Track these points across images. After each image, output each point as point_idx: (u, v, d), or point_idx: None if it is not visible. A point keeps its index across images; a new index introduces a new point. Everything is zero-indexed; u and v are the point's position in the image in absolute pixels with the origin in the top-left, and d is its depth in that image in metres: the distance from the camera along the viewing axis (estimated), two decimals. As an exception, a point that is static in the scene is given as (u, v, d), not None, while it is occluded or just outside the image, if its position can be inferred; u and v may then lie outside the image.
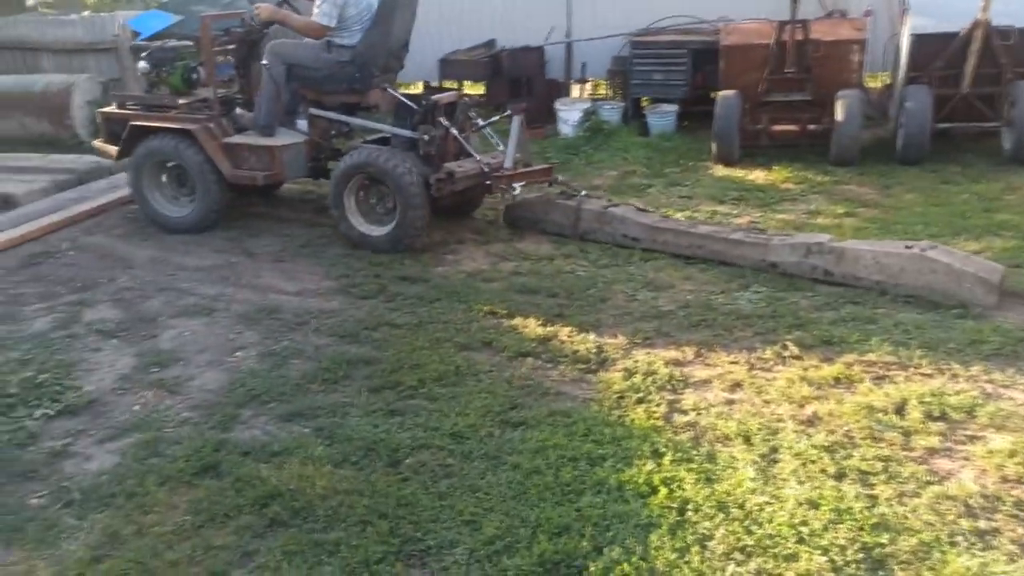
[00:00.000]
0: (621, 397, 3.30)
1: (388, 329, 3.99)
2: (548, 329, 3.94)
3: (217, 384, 3.51)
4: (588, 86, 9.24)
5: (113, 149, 5.55)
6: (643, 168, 6.80)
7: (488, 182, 5.12)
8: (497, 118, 5.65)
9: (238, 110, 5.56)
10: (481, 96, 9.37)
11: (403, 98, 5.23)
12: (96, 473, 2.87)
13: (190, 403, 3.36)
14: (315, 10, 5.04)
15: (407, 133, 5.11)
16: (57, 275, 4.75)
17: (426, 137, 4.99)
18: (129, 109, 5.55)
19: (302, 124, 5.40)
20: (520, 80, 8.48)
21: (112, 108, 5.68)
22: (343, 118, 5.36)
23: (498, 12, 9.03)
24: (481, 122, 5.56)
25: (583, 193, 5.42)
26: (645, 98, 8.21)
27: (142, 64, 5.59)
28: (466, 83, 9.53)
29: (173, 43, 5.92)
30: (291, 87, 5.31)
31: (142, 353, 3.78)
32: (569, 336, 3.86)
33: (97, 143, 5.82)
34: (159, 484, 2.77)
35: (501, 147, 5.38)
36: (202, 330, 4.02)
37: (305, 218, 5.82)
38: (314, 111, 5.33)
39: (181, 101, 5.41)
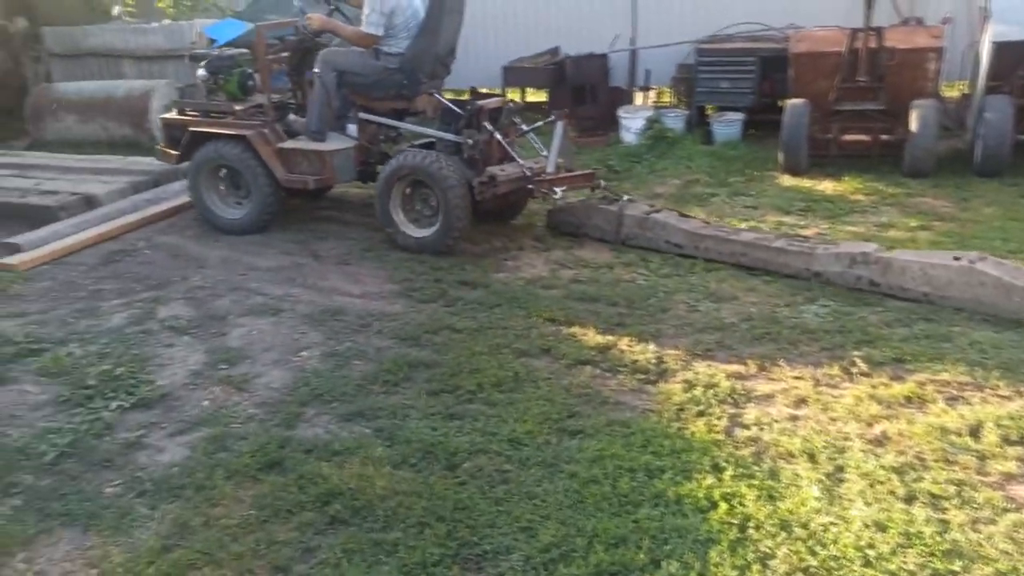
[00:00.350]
0: (681, 409, 3.26)
1: (448, 333, 4.03)
2: (607, 338, 3.92)
3: (282, 382, 3.60)
4: (652, 94, 9.16)
5: (173, 153, 5.77)
6: (707, 177, 6.71)
7: (530, 186, 5.17)
8: (541, 123, 5.69)
9: (291, 116, 5.69)
10: (544, 103, 9.42)
11: (449, 103, 5.34)
12: (167, 465, 2.98)
13: (256, 400, 3.45)
14: (363, 19, 5.14)
15: (452, 137, 5.22)
16: (134, 272, 4.94)
17: (470, 141, 5.09)
18: (188, 115, 5.76)
19: (352, 129, 5.52)
20: (584, 87, 8.47)
21: (172, 115, 5.89)
22: (391, 122, 5.48)
23: (563, 20, 9.04)
24: (525, 127, 5.60)
25: (625, 198, 5.44)
26: (710, 106, 8.11)
27: (200, 72, 5.81)
28: (529, 90, 9.60)
29: (230, 51, 6.10)
30: (341, 94, 5.44)
31: (212, 350, 3.90)
32: (629, 345, 3.84)
33: (159, 148, 6.05)
34: (226, 478, 2.86)
35: (544, 152, 5.41)
36: (269, 329, 4.13)
37: (369, 222, 5.91)
38: (363, 116, 5.45)
39: (237, 107, 5.59)
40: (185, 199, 6.21)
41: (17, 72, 10.03)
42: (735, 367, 3.59)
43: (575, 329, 4.04)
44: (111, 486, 2.86)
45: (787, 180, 6.48)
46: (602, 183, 5.53)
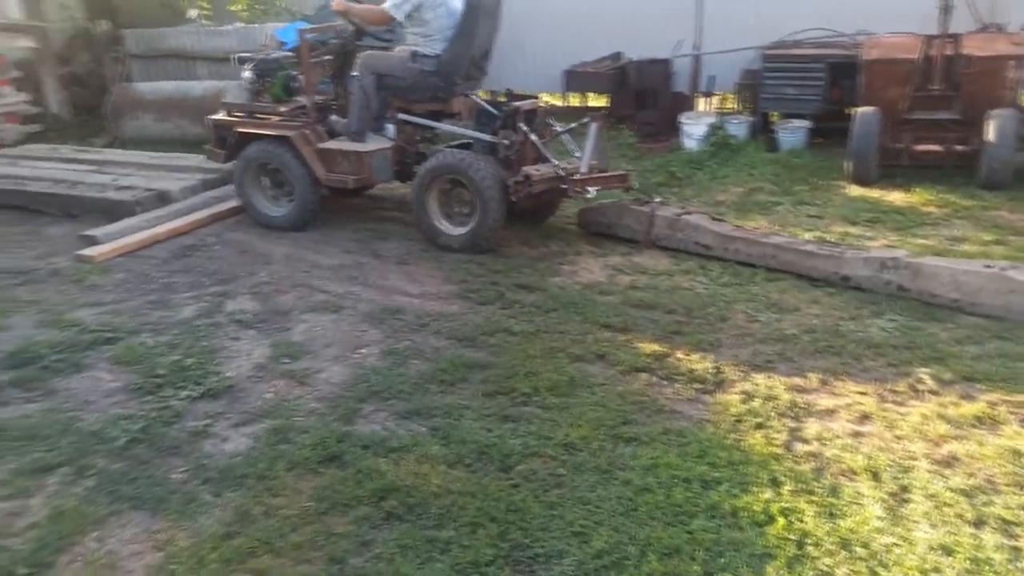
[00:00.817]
0: (739, 420, 3.22)
1: (504, 336, 4.05)
2: (664, 345, 3.89)
3: (342, 378, 3.68)
4: (715, 100, 9.04)
5: (221, 153, 5.97)
6: (771, 185, 6.59)
7: (564, 185, 5.21)
8: (575, 125, 5.70)
9: (333, 117, 5.83)
10: (605, 108, 9.39)
11: (485, 104, 5.40)
12: (231, 454, 3.07)
13: (317, 394, 3.54)
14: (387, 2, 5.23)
15: (487, 138, 5.32)
16: (204, 267, 5.11)
17: (505, 142, 5.21)
18: (235, 117, 5.94)
19: (390, 131, 5.66)
20: (645, 92, 8.41)
21: (221, 116, 6.05)
22: (428, 123, 5.58)
23: (626, 24, 8.99)
24: (560, 128, 5.66)
25: (657, 200, 5.53)
26: (775, 113, 7.95)
27: (246, 74, 5.96)
28: (591, 95, 9.57)
29: (276, 54, 6.25)
30: (381, 96, 5.56)
31: (276, 344, 4.01)
32: (686, 354, 3.80)
33: (208, 148, 6.25)
34: (287, 469, 2.94)
35: (578, 153, 5.47)
36: (330, 326, 4.23)
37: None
38: (402, 116, 5.58)
39: (281, 109, 5.74)
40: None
41: (99, 72, 10.48)
42: (796, 380, 3.52)
43: (631, 335, 4.02)
44: (178, 472, 2.96)
45: (854, 190, 6.31)
46: (635, 184, 5.56)
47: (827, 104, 7.47)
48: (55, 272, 5.00)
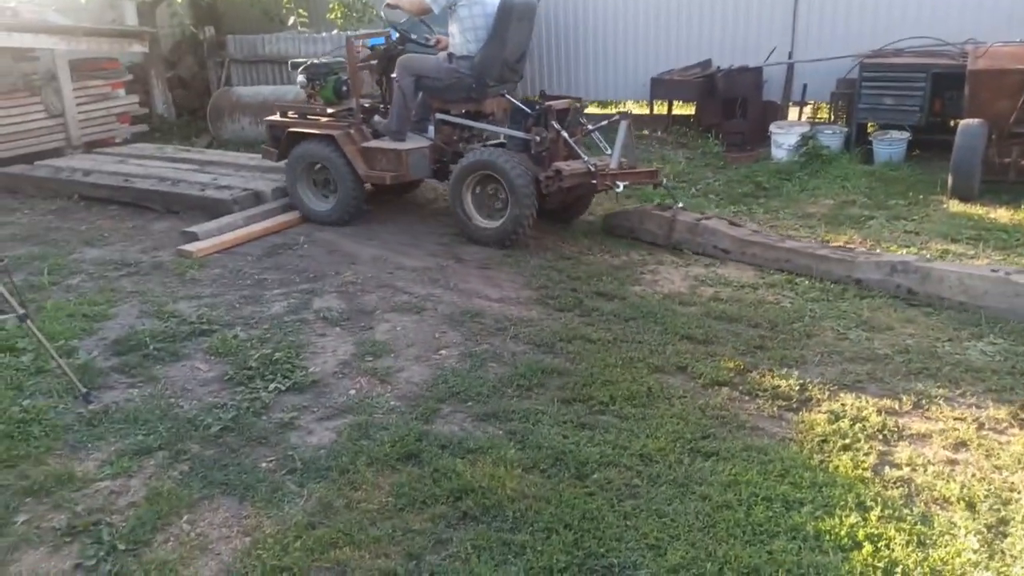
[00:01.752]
0: (824, 441, 3.11)
1: (582, 343, 4.05)
2: (747, 360, 3.81)
3: (422, 378, 3.75)
4: (808, 109, 8.80)
5: (274, 151, 6.31)
6: (864, 198, 6.35)
7: (593, 180, 5.39)
8: (605, 123, 5.89)
9: (376, 117, 6.13)
10: (691, 116, 9.26)
11: (519, 104, 5.63)
12: (315, 447, 3.18)
13: (397, 393, 3.62)
14: None
15: (521, 134, 5.53)
16: (293, 265, 5.30)
17: (538, 138, 5.39)
18: (288, 118, 6.28)
19: (430, 131, 5.93)
20: (734, 101, 8.25)
21: (275, 117, 6.40)
22: (465, 122, 5.84)
23: (716, 32, 8.84)
24: (591, 127, 5.84)
25: (679, 205, 5.76)
26: (872, 123, 7.67)
27: (300, 78, 6.30)
28: (677, 103, 9.45)
29: (327, 59, 6.59)
30: (420, 97, 5.83)
31: (360, 342, 4.12)
32: (770, 369, 3.71)
33: (264, 146, 6.61)
34: (367, 464, 3.02)
35: (609, 151, 5.64)
36: (412, 327, 4.31)
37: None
38: (440, 116, 5.84)
39: (330, 110, 6.08)
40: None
41: (202, 76, 11.03)
42: (887, 402, 3.38)
43: (713, 348, 3.95)
44: (266, 461, 3.08)
45: (955, 206, 6.02)
46: (664, 181, 5.76)
47: (928, 116, 7.16)
48: (158, 265, 5.28)
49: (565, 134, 5.49)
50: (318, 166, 6.09)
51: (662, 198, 6.11)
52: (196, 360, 3.94)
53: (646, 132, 9.24)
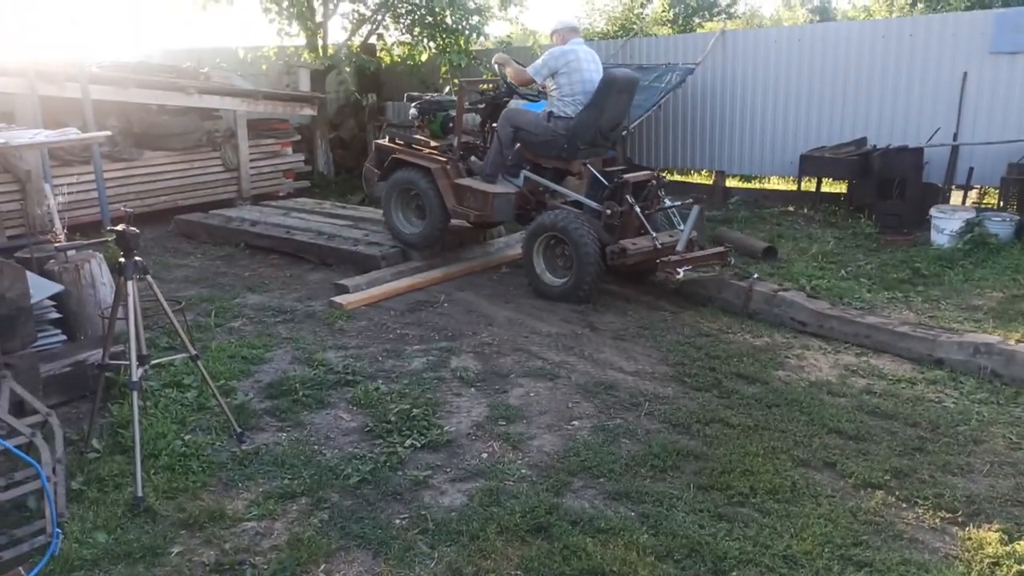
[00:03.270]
0: (996, 563, 2.81)
1: (721, 427, 3.90)
2: (904, 462, 3.53)
3: (553, 448, 3.72)
4: (973, 193, 8.25)
5: (376, 172, 6.94)
6: (1039, 293, 5.83)
7: (659, 260, 5.62)
8: (680, 203, 6.15)
9: (473, 157, 6.51)
10: (841, 195, 8.90)
11: (597, 174, 5.93)
12: (447, 508, 3.20)
13: (529, 461, 3.60)
14: (532, 66, 5.97)
15: (594, 205, 5.86)
16: (433, 322, 5.47)
17: (608, 212, 5.75)
18: (395, 144, 6.83)
19: (520, 179, 6.27)
20: (891, 181, 7.86)
21: (384, 141, 6.99)
22: (544, 182, 6.17)
23: (874, 110, 8.53)
24: (668, 202, 6.11)
25: (755, 276, 5.92)
26: (1048, 212, 7.08)
27: (412, 111, 6.87)
28: (827, 181, 9.13)
29: (439, 96, 7.10)
30: (516, 147, 6.17)
31: (493, 405, 4.16)
32: (931, 476, 3.41)
33: (367, 164, 7.20)
34: (497, 533, 3.00)
35: (681, 226, 5.86)
36: (545, 393, 4.31)
37: (648, 300, 6.00)
38: (527, 174, 6.21)
39: (433, 144, 6.55)
40: (481, 261, 6.82)
41: (361, 137, 11.80)
42: (1071, 527, 3.02)
43: (865, 446, 3.69)
44: (399, 518, 3.14)
45: None
46: (732, 260, 5.93)
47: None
48: (311, 314, 5.60)
49: (638, 209, 5.71)
50: (413, 192, 6.54)
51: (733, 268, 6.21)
52: (340, 409, 4.11)
53: (791, 209, 8.97)
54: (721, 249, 5.84)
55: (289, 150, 9.93)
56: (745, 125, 9.60)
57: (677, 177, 11.12)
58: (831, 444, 3.71)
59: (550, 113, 5.95)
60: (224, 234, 7.74)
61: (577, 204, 6.00)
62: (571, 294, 5.71)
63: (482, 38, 10.91)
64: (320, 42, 10.84)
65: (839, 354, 4.90)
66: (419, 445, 3.71)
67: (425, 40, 11.11)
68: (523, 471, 3.51)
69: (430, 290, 6.19)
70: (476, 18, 10.79)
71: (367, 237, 7.03)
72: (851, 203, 8.45)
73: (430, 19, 10.79)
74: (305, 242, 7.08)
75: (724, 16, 22.10)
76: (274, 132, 9.80)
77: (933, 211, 7.27)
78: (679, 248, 5.61)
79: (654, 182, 5.97)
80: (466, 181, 6.30)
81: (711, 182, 10.23)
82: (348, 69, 11.20)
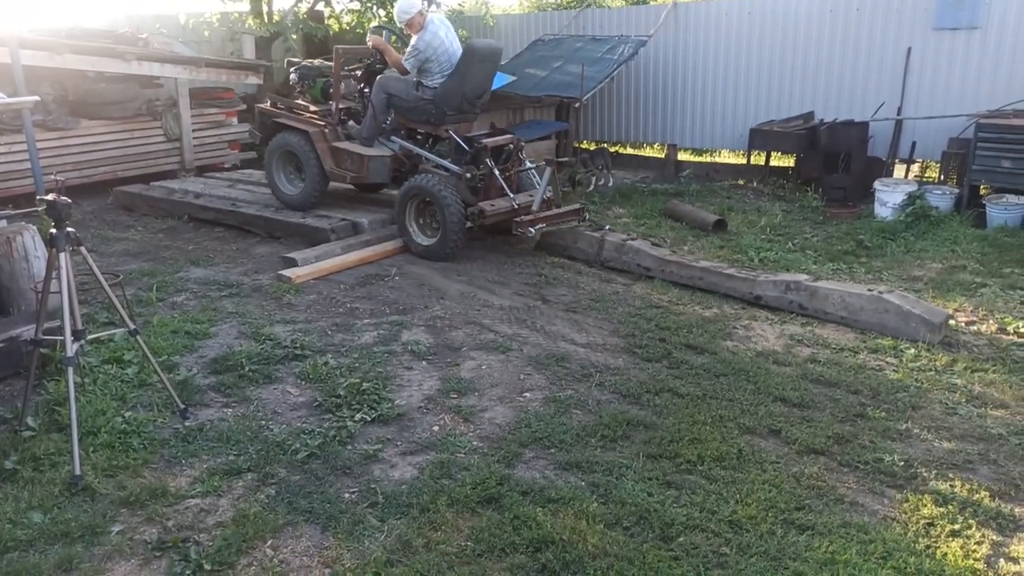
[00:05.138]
0: (931, 524, 2.91)
1: (670, 396, 3.94)
2: (846, 428, 3.62)
3: (505, 420, 3.72)
4: (915, 167, 8.46)
5: (259, 135, 7.26)
6: (976, 264, 6.02)
7: (516, 219, 5.97)
8: (533, 166, 6.53)
9: (351, 122, 6.80)
10: (789, 168, 9.04)
11: (459, 140, 6.31)
12: (397, 482, 3.18)
13: (480, 433, 3.60)
14: (405, 55, 6.25)
15: (456, 169, 6.21)
16: (384, 296, 5.40)
17: (468, 175, 6.10)
18: (276, 109, 7.09)
19: (395, 143, 6.60)
20: (837, 155, 8.01)
21: (266, 105, 7.27)
22: (415, 149, 6.55)
23: (820, 85, 8.66)
24: (529, 163, 6.52)
25: (607, 228, 6.44)
26: (985, 186, 7.29)
27: (292, 76, 7.11)
28: (776, 155, 9.26)
29: (317, 63, 7.29)
30: (390, 112, 6.51)
31: (445, 378, 4.14)
32: (871, 441, 3.51)
33: (251, 128, 7.48)
34: (448, 505, 2.99)
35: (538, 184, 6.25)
36: (497, 366, 4.31)
37: (599, 274, 6.02)
38: (396, 139, 6.60)
39: (313, 108, 6.82)
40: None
41: (309, 108, 11.48)
42: (1001, 487, 3.14)
43: (809, 413, 3.78)
44: (349, 492, 3.10)
45: (1079, 277, 5.63)
46: (587, 216, 6.45)
47: (1050, 180, 6.77)
48: (258, 288, 5.48)
49: (497, 172, 6.10)
50: (294, 154, 6.79)
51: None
52: (288, 384, 4.04)
53: (741, 182, 9.08)
54: (577, 207, 6.38)
55: (234, 120, 9.63)
56: (696, 99, 9.65)
57: (630, 151, 11.16)
58: (776, 412, 3.78)
59: (419, 82, 6.29)
60: (166, 206, 7.50)
61: (446, 169, 6.34)
62: (439, 252, 6.05)
63: (434, 6, 10.71)
64: (265, 8, 10.51)
65: (785, 324, 4.99)
66: (369, 419, 3.67)
67: (375, 7, 10.86)
68: (474, 443, 3.50)
69: (381, 263, 6.10)
70: (426, -13, 10.56)
71: (316, 210, 6.88)
72: (799, 176, 8.59)
73: (380, -14, 10.54)
74: (251, 215, 6.91)
75: (677, -11, 22.05)
76: (218, 101, 9.49)
77: (877, 184, 7.43)
78: (534, 208, 6.03)
79: (511, 146, 6.35)
80: (343, 144, 6.58)
81: (663, 155, 10.28)
82: (295, 36, 10.89)
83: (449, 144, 6.48)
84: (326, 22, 11.31)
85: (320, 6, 11.24)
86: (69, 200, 3.30)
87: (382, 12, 10.78)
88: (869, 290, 4.94)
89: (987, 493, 3.09)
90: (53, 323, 3.71)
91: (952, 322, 4.86)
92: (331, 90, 6.78)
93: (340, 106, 6.75)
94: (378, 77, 6.54)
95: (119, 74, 8.37)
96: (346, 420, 3.64)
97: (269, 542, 2.80)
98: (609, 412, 3.75)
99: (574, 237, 6.35)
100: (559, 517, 2.91)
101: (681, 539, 2.81)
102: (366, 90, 6.66)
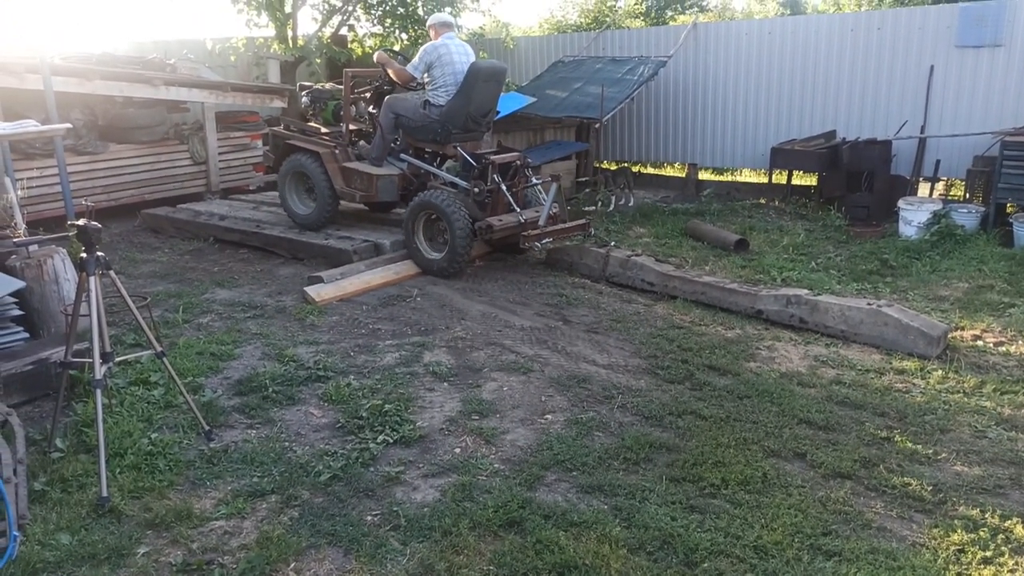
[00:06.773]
0: (961, 551, 2.85)
1: (693, 419, 3.92)
2: (872, 451, 3.57)
3: (526, 442, 3.71)
4: (940, 185, 8.38)
5: (272, 157, 7.46)
6: (1004, 284, 5.94)
7: (524, 234, 6.05)
8: (540, 181, 6.57)
9: (361, 142, 7.00)
10: (811, 187, 8.99)
11: (467, 156, 6.38)
12: (419, 504, 3.18)
13: (502, 455, 3.59)
14: (410, 63, 6.43)
15: (464, 184, 6.30)
16: (406, 317, 5.42)
17: (476, 190, 6.19)
18: (289, 131, 7.32)
19: (403, 162, 6.70)
20: (860, 174, 7.96)
21: (279, 128, 7.51)
22: (419, 164, 6.65)
23: (843, 104, 8.63)
24: (535, 180, 6.55)
25: (612, 244, 6.59)
26: (1012, 204, 7.21)
27: (304, 99, 7.38)
28: (798, 173, 9.23)
29: (329, 86, 7.48)
30: (399, 132, 6.65)
31: (466, 400, 4.14)
32: (899, 465, 3.46)
33: (266, 150, 7.66)
34: (470, 528, 2.98)
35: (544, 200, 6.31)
36: (518, 387, 4.30)
37: (620, 294, 6.01)
38: (406, 158, 6.69)
39: (324, 131, 7.07)
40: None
41: (332, 130, 11.64)
42: (1034, 513, 3.07)
43: (834, 436, 3.73)
44: (371, 515, 3.11)
45: (1111, 297, 5.53)
46: (592, 231, 6.55)
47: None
48: (281, 309, 5.53)
49: (504, 187, 6.17)
50: (305, 175, 6.93)
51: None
52: (311, 405, 4.06)
53: (763, 201, 9.04)
54: (582, 222, 6.43)
55: (259, 143, 9.78)
56: (717, 118, 9.66)
57: (650, 170, 11.17)
58: (801, 435, 3.74)
59: (426, 101, 6.42)
60: (192, 228, 7.61)
61: (454, 184, 6.44)
62: (448, 266, 6.09)
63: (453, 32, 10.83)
64: (290, 33, 10.69)
65: (809, 345, 4.94)
66: (391, 441, 3.68)
67: (397, 31, 11.01)
68: (496, 466, 3.49)
69: (403, 284, 6.13)
70: (449, 9, 10.71)
71: (338, 231, 6.95)
72: (821, 195, 8.55)
73: (402, 10, 10.69)
74: (275, 236, 6.99)
75: (696, 9, 22.17)
76: (243, 125, 9.65)
77: (901, 203, 7.37)
78: (540, 223, 6.10)
79: (518, 163, 6.40)
80: (353, 164, 6.74)
81: (684, 175, 10.28)
82: (319, 61, 11.06)
83: (457, 161, 6.59)
84: (349, 46, 11.48)
85: (343, 31, 11.41)
86: (99, 225, 3.36)
87: (404, 36, 10.93)
88: (868, 304, 4.97)
89: (1019, 519, 3.03)
90: (82, 345, 3.77)
91: (953, 335, 4.87)
92: (342, 112, 6.98)
93: (351, 127, 6.96)
94: (386, 98, 6.69)
95: (147, 99, 8.55)
96: (368, 442, 3.65)
97: (292, 565, 2.81)
98: (631, 434, 3.73)
99: (580, 253, 6.47)
100: (582, 541, 2.89)
101: (706, 564, 2.78)
102: (375, 111, 6.82)
